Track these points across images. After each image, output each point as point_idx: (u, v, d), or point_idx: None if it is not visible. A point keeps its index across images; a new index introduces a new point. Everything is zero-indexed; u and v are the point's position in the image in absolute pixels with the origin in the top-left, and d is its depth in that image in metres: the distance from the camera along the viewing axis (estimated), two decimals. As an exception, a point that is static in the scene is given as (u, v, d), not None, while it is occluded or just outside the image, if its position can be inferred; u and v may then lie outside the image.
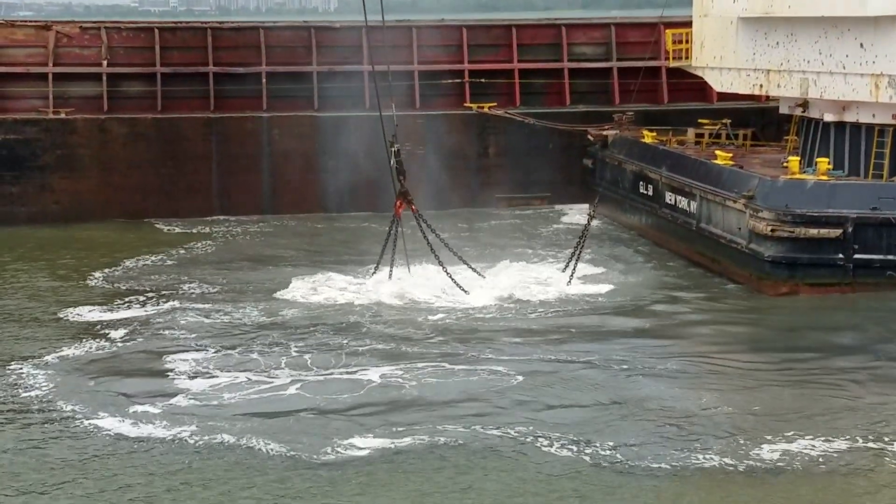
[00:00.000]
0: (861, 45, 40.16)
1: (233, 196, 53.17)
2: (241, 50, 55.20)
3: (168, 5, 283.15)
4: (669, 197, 45.18)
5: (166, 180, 52.72)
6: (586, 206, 52.80)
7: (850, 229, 37.15)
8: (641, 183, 47.91)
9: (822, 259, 37.57)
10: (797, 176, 39.94)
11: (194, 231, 50.10)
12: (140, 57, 54.25)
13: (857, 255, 37.31)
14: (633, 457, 24.63)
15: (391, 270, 38.94)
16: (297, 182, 53.48)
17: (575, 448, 25.10)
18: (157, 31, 55.07)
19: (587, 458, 24.71)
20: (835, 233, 37.19)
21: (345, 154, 53.07)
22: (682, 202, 44.09)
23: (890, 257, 37.19)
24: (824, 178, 39.66)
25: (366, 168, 53.19)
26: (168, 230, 50.62)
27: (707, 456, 24.70)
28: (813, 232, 37.30)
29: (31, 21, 59.88)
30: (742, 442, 25.34)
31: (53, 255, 45.62)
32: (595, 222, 49.92)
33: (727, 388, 29.26)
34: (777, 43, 43.63)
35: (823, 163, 40.55)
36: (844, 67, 40.75)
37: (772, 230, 37.63)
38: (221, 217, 52.62)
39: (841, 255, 37.39)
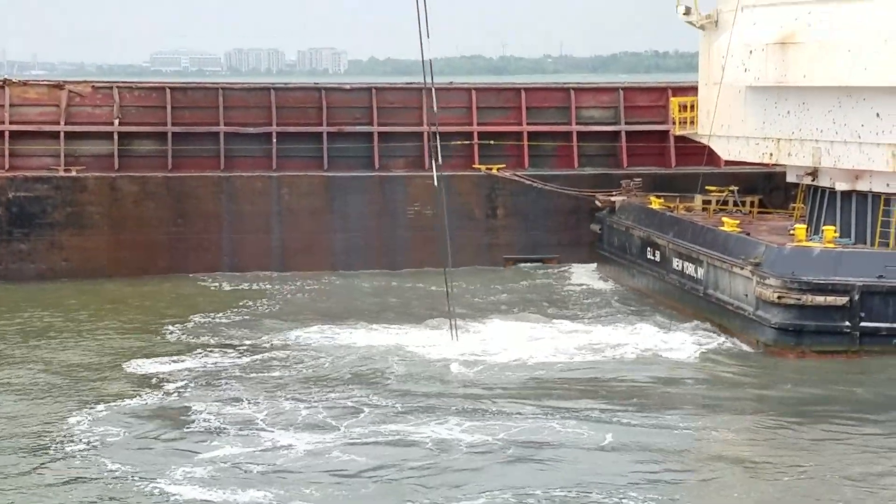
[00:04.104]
0: (877, 115, 40.18)
1: (242, 254, 53.30)
2: (251, 110, 55.62)
3: (179, 65, 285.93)
4: (677, 263, 45.20)
5: (175, 238, 52.90)
6: (594, 266, 53.37)
7: (856, 297, 37.09)
8: (649, 249, 47.94)
9: (829, 327, 37.47)
10: (804, 243, 40.01)
11: (237, 288, 50.34)
12: (151, 116, 54.64)
13: (863, 323, 37.22)
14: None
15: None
16: (306, 240, 53.57)
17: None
18: (168, 90, 55.47)
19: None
20: (841, 300, 37.13)
21: (354, 213, 53.46)
22: (690, 268, 44.06)
23: (898, 326, 37.22)
24: (831, 245, 39.65)
25: (375, 227, 53.71)
26: (219, 285, 50.94)
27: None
28: (819, 299, 37.24)
29: (43, 80, 60.16)
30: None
31: (98, 311, 45.86)
32: (605, 286, 50.53)
33: (801, 458, 28.79)
34: (788, 112, 43.53)
35: (830, 231, 40.59)
36: (860, 137, 40.68)
37: (778, 297, 37.60)
38: (254, 273, 52.68)
39: (848, 323, 37.29)
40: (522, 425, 30.86)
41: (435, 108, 45.34)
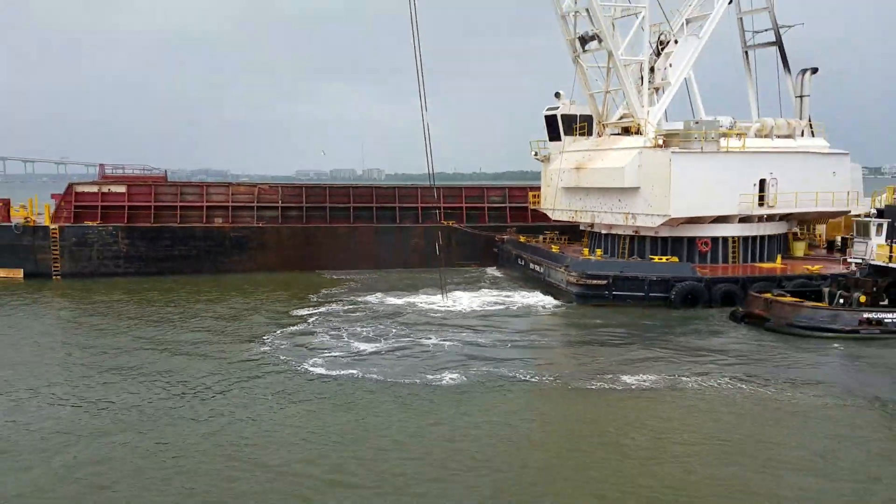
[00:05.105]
0: (619, 200, 40.62)
1: (337, 260, 52.70)
2: (341, 196, 55.15)
3: (309, 176, 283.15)
4: (532, 266, 45.07)
5: (307, 254, 52.48)
6: (496, 267, 53.10)
7: (611, 280, 37.43)
8: (519, 259, 47.70)
9: (600, 294, 37.62)
10: (588, 257, 40.48)
11: (336, 277, 48.80)
12: (296, 199, 54.23)
13: (615, 292, 37.46)
14: (575, 384, 23.23)
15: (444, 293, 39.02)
16: (365, 254, 53.05)
17: (536, 378, 24.37)
18: (304, 189, 55.17)
19: (548, 382, 23.49)
20: (604, 282, 37.51)
21: (387, 243, 53.40)
22: (538, 268, 44.00)
23: (628, 293, 37.26)
24: (600, 258, 40.19)
25: (396, 249, 53.74)
26: (328, 276, 49.11)
27: (586, 381, 23.82)
28: (594, 282, 37.59)
29: (246, 183, 60.22)
30: (605, 376, 24.44)
31: (273, 288, 44.37)
32: (501, 276, 49.23)
33: (585, 351, 28.37)
34: (580, 198, 43.94)
35: (599, 252, 41.13)
36: (612, 209, 41.05)
37: (577, 280, 37.92)
38: (339, 270, 51.30)
39: (607, 292, 37.57)
40: (472, 337, 30.64)
41: (438, 201, 45.22)
